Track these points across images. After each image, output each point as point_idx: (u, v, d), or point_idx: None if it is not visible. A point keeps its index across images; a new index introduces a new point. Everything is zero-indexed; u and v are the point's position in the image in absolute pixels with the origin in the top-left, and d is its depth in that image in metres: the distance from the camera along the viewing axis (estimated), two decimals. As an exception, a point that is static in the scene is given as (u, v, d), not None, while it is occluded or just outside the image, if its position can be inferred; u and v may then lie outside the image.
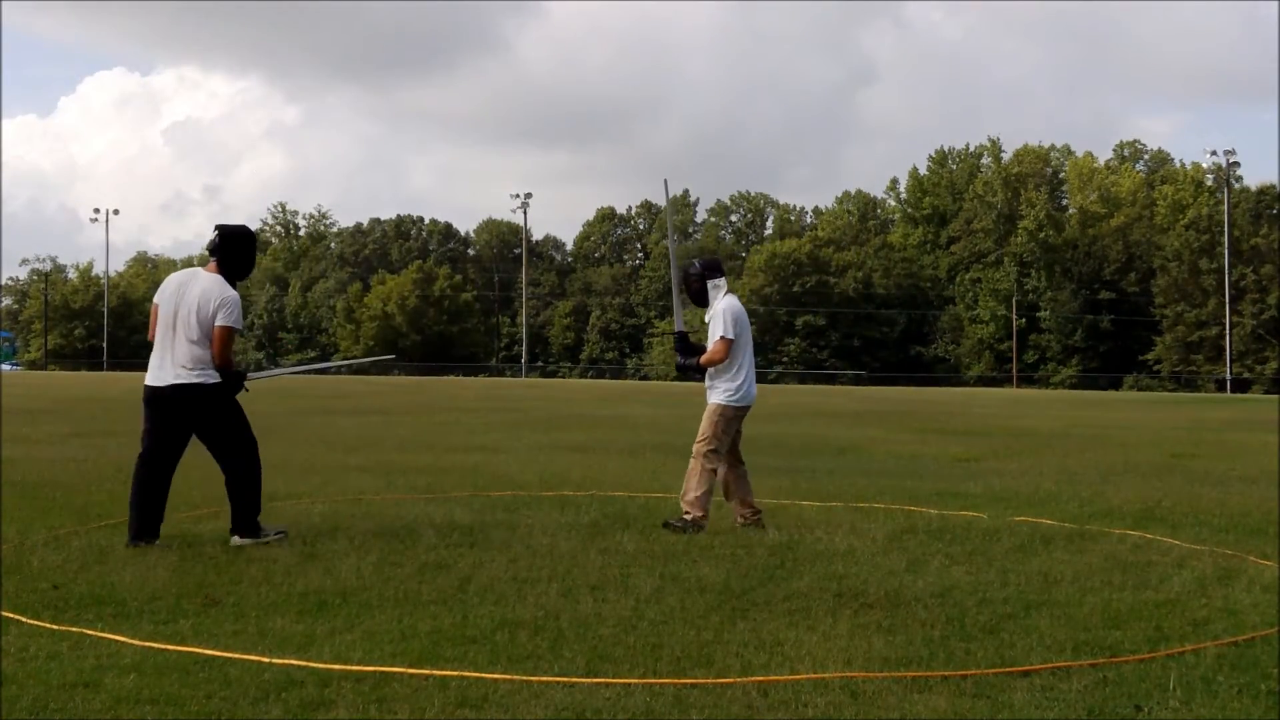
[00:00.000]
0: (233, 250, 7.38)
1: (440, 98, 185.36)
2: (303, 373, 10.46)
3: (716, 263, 8.40)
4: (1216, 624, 5.31)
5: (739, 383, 8.04)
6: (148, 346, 7.53)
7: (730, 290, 8.25)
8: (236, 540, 7.14)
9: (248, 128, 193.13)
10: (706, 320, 8.22)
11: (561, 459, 13.44)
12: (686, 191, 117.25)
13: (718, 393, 8.04)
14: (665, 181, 8.91)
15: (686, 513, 7.79)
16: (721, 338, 7.98)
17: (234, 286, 7.31)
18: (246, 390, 7.49)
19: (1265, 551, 7.36)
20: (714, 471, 7.90)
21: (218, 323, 7.14)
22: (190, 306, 7.16)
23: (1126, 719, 3.99)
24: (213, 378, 7.18)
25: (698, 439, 7.99)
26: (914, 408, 32.99)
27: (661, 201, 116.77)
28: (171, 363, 7.17)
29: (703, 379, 8.26)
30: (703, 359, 8.14)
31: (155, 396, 7.22)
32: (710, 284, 8.17)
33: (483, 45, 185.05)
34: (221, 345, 7.16)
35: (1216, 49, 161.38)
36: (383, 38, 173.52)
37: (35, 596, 5.57)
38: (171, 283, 7.38)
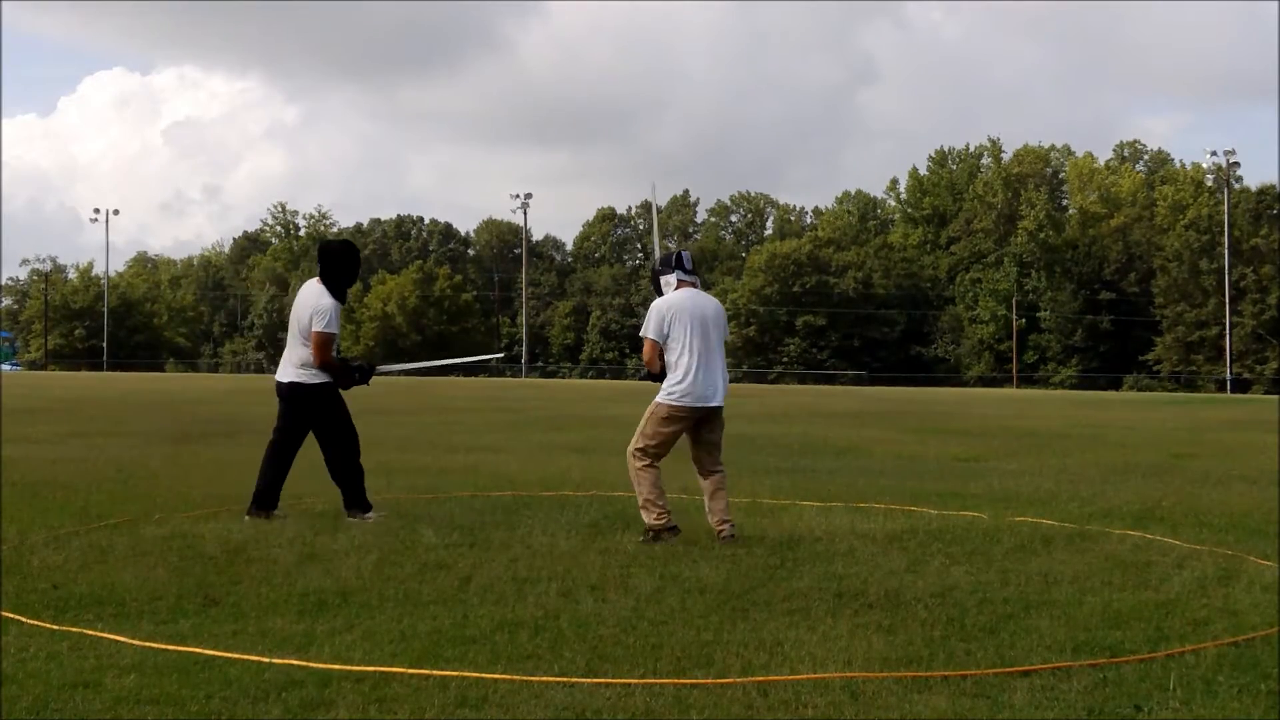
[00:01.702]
0: (328, 265, 8.25)
1: (441, 97, 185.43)
2: (422, 371, 10.83)
3: (669, 257, 7.88)
4: (1216, 624, 5.31)
5: (676, 380, 7.46)
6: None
7: (696, 285, 7.78)
8: (348, 518, 8.01)
9: (248, 128, 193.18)
10: None
11: (561, 459, 13.45)
12: (687, 192, 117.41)
13: (661, 390, 7.57)
14: (654, 186, 8.79)
15: (647, 530, 7.41)
16: (642, 335, 7.63)
17: (337, 295, 8.12)
18: (367, 385, 8.38)
19: (1265, 551, 7.36)
20: (647, 470, 7.44)
21: (312, 329, 8.01)
22: (295, 313, 8.16)
23: (1126, 719, 3.99)
24: (315, 378, 8.09)
25: (632, 443, 7.60)
26: (914, 408, 33.00)
27: (661, 202, 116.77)
28: (286, 361, 8.24)
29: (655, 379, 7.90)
30: (645, 362, 7.77)
31: (277, 390, 8.31)
32: (662, 280, 7.76)
33: (483, 45, 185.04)
34: (315, 349, 8.03)
35: (1216, 49, 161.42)
36: (383, 37, 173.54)
37: (35, 596, 5.57)
38: (298, 289, 8.33)
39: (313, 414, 8.20)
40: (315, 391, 8.12)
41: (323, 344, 8.01)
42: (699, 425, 7.60)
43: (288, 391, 8.19)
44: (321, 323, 7.99)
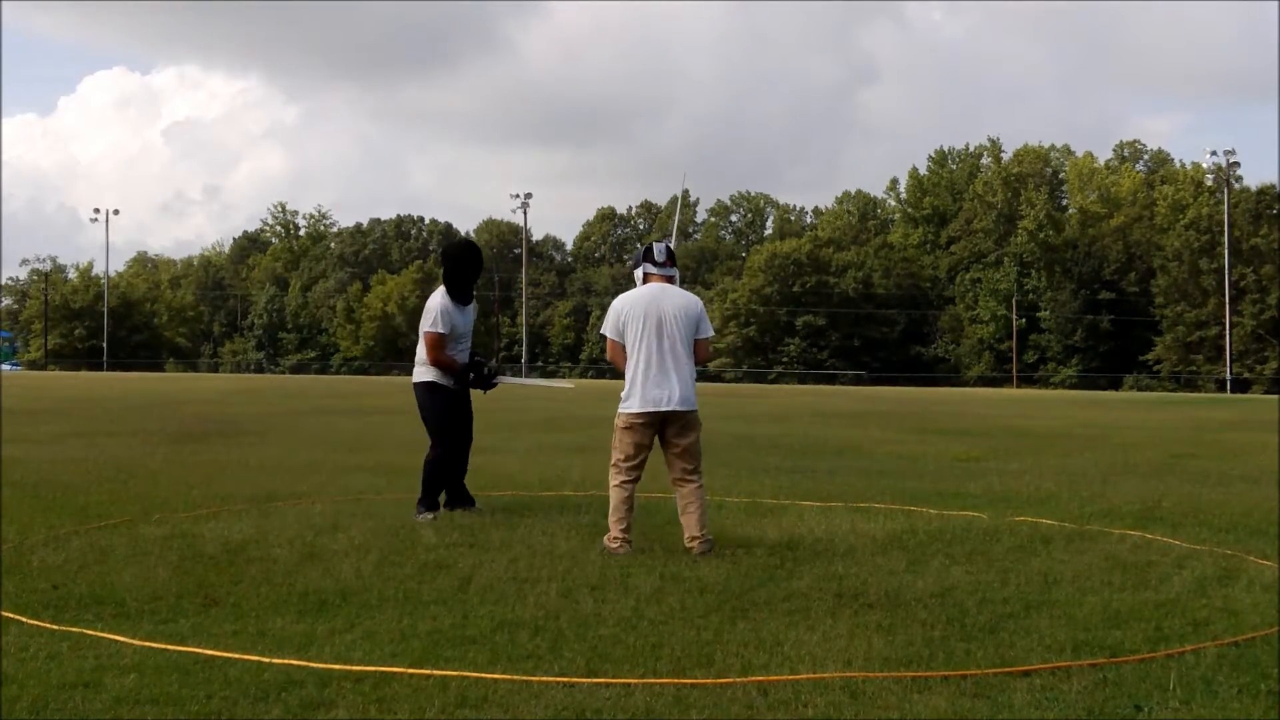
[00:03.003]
0: (446, 267, 8.53)
1: (441, 97, 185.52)
2: (537, 385, 10.82)
3: (648, 249, 7.38)
4: (1216, 624, 5.30)
5: (627, 386, 7.12)
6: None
7: (672, 280, 7.33)
8: (414, 517, 8.20)
9: (248, 127, 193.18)
10: None
11: (561, 459, 13.44)
12: (686, 192, 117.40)
13: (621, 404, 7.17)
14: (684, 175, 8.62)
15: (609, 541, 7.05)
16: (604, 332, 7.34)
17: (458, 296, 8.42)
18: (485, 390, 8.66)
19: (1265, 551, 7.36)
20: (618, 487, 7.09)
21: (421, 328, 8.45)
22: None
23: (1126, 719, 3.99)
24: (420, 376, 8.47)
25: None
26: (914, 408, 32.99)
27: (661, 201, 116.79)
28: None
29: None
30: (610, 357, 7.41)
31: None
32: (636, 274, 7.41)
33: (484, 45, 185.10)
34: (426, 347, 8.38)
35: (1216, 49, 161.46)
36: (383, 37, 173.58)
37: (35, 596, 5.58)
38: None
39: (420, 409, 8.57)
40: (421, 389, 8.51)
41: (430, 344, 8.36)
42: (663, 430, 7.14)
43: (415, 392, 8.62)
44: (427, 322, 8.36)
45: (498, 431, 19.09)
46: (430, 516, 8.21)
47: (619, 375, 7.39)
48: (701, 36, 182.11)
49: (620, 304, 7.24)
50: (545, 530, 7.72)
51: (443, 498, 8.57)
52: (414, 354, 8.68)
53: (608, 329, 7.29)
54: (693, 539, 6.99)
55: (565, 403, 33.11)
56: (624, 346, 7.18)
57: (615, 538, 7.06)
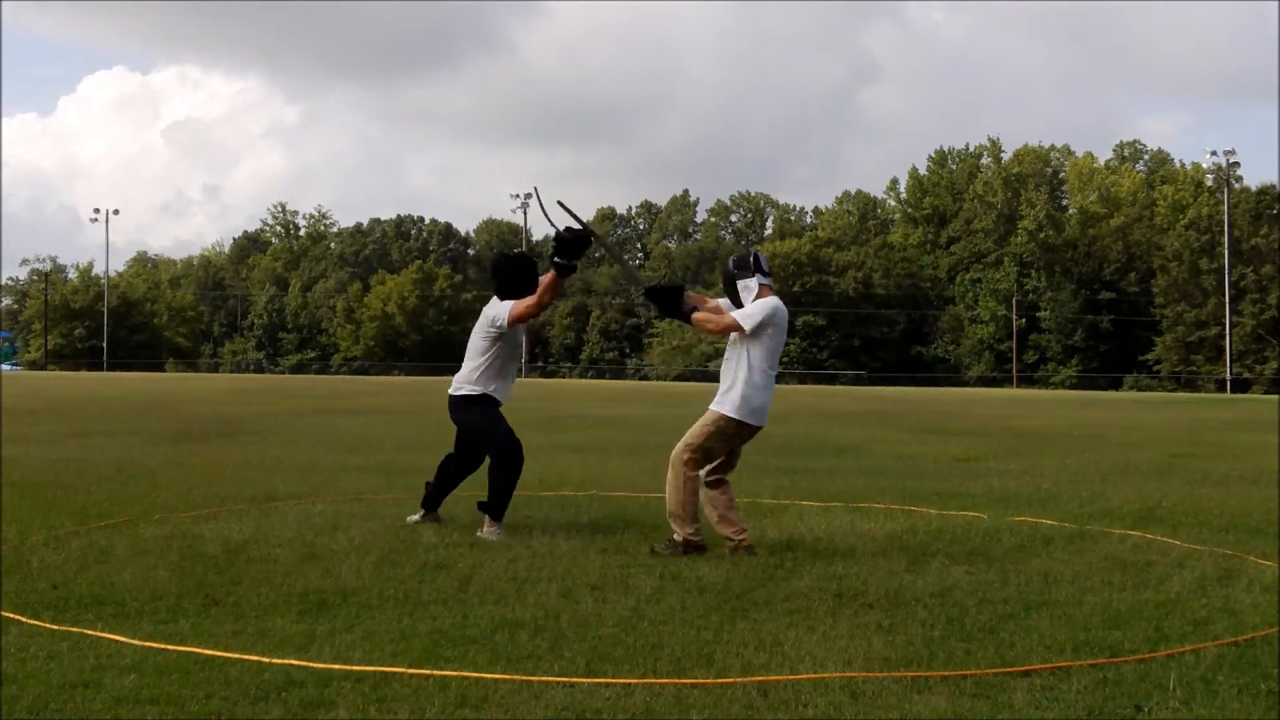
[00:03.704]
0: (497, 279, 8.03)
1: (441, 97, 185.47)
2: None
3: (743, 260, 7.22)
4: (1216, 624, 5.31)
5: (754, 394, 6.98)
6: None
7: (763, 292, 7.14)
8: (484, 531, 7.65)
9: (248, 127, 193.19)
10: None
11: (561, 459, 13.44)
12: (686, 191, 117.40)
13: (726, 401, 6.99)
14: (535, 189, 8.30)
15: (674, 532, 7.00)
16: (735, 322, 6.99)
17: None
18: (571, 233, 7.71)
19: (1265, 551, 7.36)
20: (695, 480, 7.02)
21: (502, 320, 7.74)
22: (473, 333, 7.98)
23: (1126, 719, 3.99)
24: (469, 389, 7.85)
25: (681, 443, 7.05)
26: (914, 408, 32.99)
27: (661, 201, 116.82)
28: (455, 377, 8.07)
29: (670, 316, 7.43)
30: (701, 319, 7.18)
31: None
32: (740, 285, 7.14)
33: (484, 45, 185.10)
34: (523, 312, 7.73)
35: (1216, 49, 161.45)
36: (383, 37, 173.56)
37: (35, 596, 5.58)
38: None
39: (470, 424, 7.95)
40: (465, 402, 7.93)
41: (519, 311, 7.72)
42: (743, 441, 7.23)
43: (451, 406, 8.04)
44: (503, 309, 7.74)
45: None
46: (499, 533, 7.58)
47: (681, 317, 7.34)
48: (701, 36, 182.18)
49: (774, 309, 7.03)
50: (545, 530, 7.72)
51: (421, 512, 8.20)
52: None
53: (748, 324, 6.93)
54: (740, 534, 7.10)
55: (565, 402, 33.10)
56: (736, 336, 7.04)
57: (696, 527, 7.00)
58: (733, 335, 7.09)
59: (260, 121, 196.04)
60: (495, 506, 7.73)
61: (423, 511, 8.18)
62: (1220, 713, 4.04)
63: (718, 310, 7.30)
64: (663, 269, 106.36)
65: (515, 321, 7.78)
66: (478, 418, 7.88)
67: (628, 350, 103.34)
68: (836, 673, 4.37)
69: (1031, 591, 5.95)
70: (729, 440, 7.10)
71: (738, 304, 7.18)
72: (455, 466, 8.17)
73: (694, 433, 7.07)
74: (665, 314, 7.52)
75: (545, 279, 7.71)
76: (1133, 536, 7.91)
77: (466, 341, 8.07)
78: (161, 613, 5.27)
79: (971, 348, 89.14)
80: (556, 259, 7.57)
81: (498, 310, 7.80)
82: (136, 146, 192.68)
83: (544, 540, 7.30)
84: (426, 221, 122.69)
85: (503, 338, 7.83)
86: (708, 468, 7.16)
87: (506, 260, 8.25)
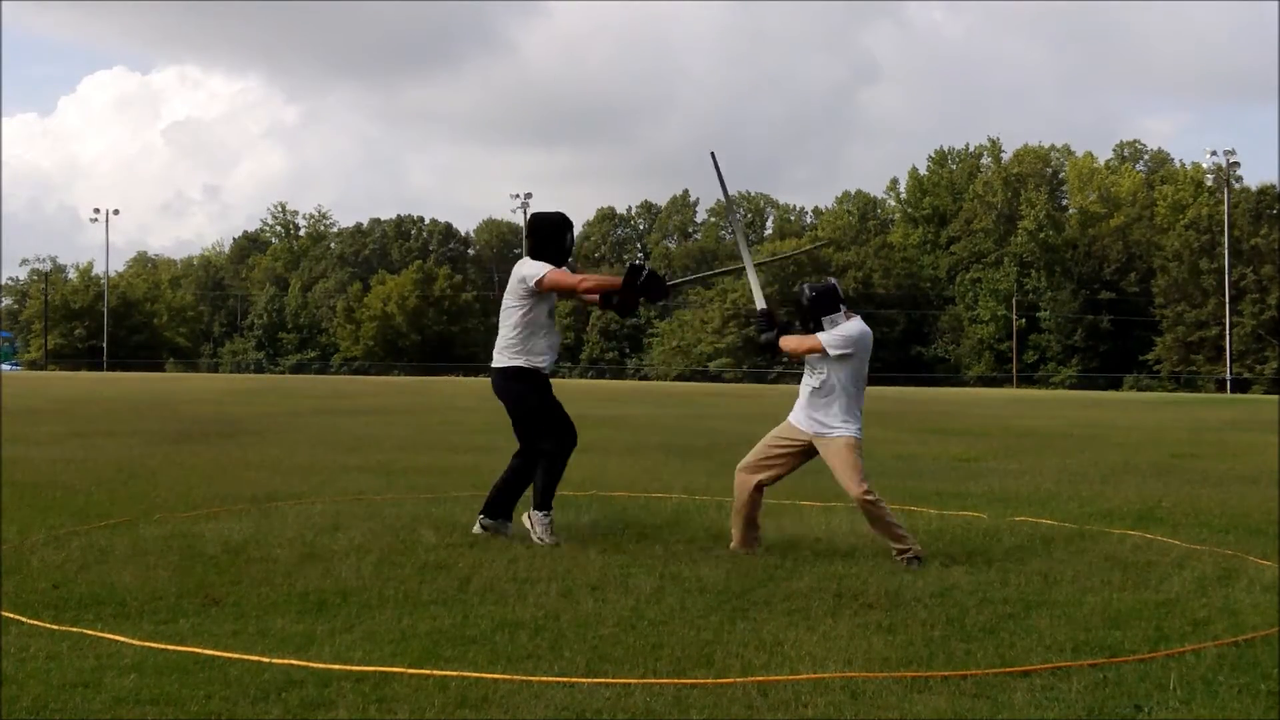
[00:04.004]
0: (533, 238, 7.47)
1: (441, 97, 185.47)
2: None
3: (829, 292, 7.20)
4: (1216, 624, 5.31)
5: (856, 414, 7.16)
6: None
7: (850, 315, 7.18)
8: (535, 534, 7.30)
9: (248, 127, 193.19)
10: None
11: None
12: (686, 192, 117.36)
13: (843, 426, 7.06)
14: (713, 155, 7.85)
15: (903, 552, 6.81)
16: (819, 344, 7.00)
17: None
18: (655, 302, 7.51)
19: (1265, 551, 7.36)
20: (880, 503, 6.96)
21: (536, 278, 7.21)
22: (505, 296, 7.46)
23: (1126, 719, 3.99)
24: (510, 360, 7.34)
25: (854, 486, 6.93)
26: (914, 408, 32.99)
27: (661, 201, 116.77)
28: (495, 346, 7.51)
29: (772, 352, 7.38)
30: (788, 341, 7.16)
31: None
32: (827, 320, 7.09)
33: (484, 45, 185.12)
34: (561, 284, 7.26)
35: (1216, 49, 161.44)
36: (383, 37, 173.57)
37: (35, 596, 5.58)
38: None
39: (512, 396, 7.41)
40: (507, 375, 7.37)
41: (555, 279, 7.22)
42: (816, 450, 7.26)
43: (496, 380, 7.46)
44: (535, 271, 7.22)
45: (498, 431, 19.08)
46: (549, 534, 7.27)
47: (773, 349, 7.32)
48: (702, 36, 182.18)
49: (861, 334, 7.09)
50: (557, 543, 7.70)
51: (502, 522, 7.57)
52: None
53: (836, 349, 6.98)
54: (755, 543, 7.21)
55: (565, 402, 33.09)
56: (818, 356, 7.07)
57: (909, 537, 6.97)
58: (825, 338, 7.07)
59: (260, 121, 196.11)
60: (549, 496, 7.35)
61: (482, 519, 7.56)
62: (1220, 713, 4.04)
63: (786, 324, 7.37)
64: (663, 269, 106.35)
65: (549, 288, 7.25)
66: (521, 394, 7.36)
67: (628, 350, 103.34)
68: (836, 673, 4.38)
69: (1031, 591, 5.95)
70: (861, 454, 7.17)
71: (815, 329, 7.17)
72: (515, 472, 7.56)
73: (849, 469, 7.00)
74: (766, 347, 7.47)
75: (595, 282, 7.42)
76: (1133, 536, 7.91)
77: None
78: (161, 613, 5.27)
79: (971, 348, 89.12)
80: (618, 299, 7.25)
81: (531, 269, 7.26)
82: (136, 146, 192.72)
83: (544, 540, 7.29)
84: (426, 221, 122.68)
85: (536, 296, 7.30)
86: (764, 475, 7.21)
87: (545, 218, 7.59)
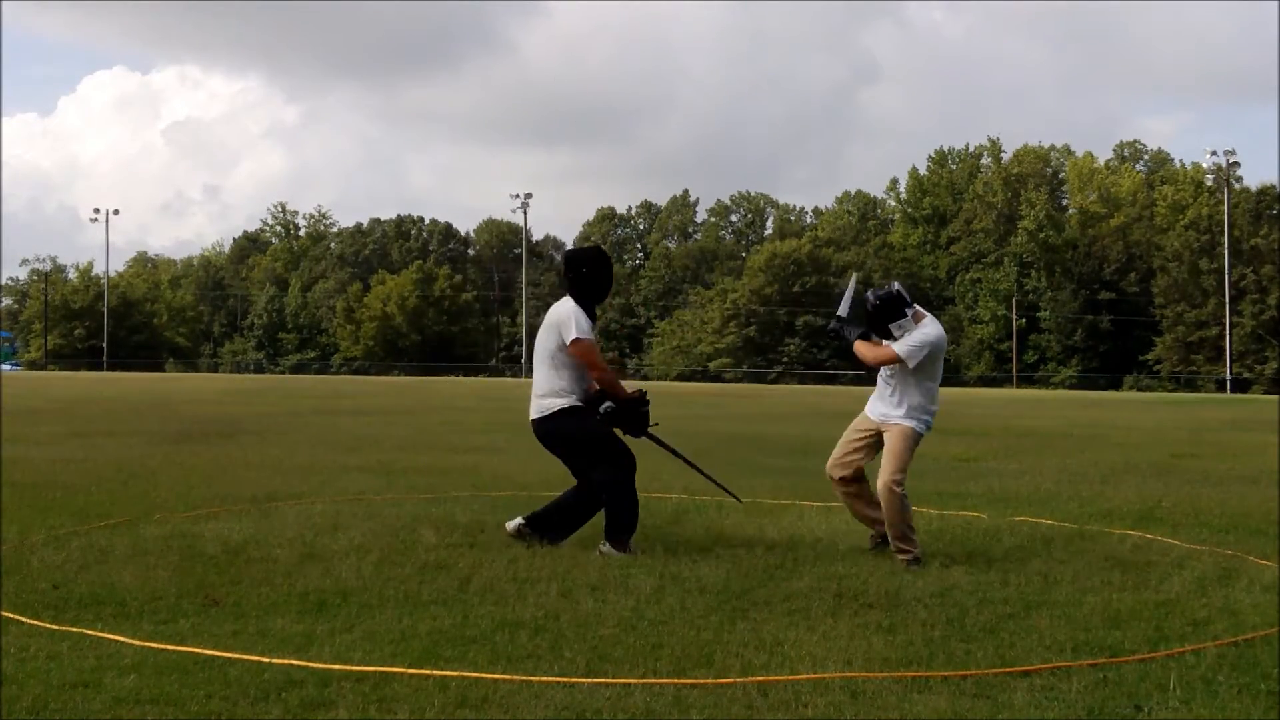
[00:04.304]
0: (570, 273, 7.33)
1: (441, 97, 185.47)
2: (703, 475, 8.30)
3: (896, 296, 7.15)
4: (1216, 624, 5.31)
5: (934, 407, 7.22)
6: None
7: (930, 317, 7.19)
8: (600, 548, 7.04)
9: (248, 127, 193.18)
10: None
11: (561, 459, 13.42)
12: (686, 191, 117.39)
13: (906, 417, 7.10)
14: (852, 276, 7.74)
15: (904, 552, 6.83)
16: (895, 353, 7.01)
17: (586, 308, 7.15)
18: (636, 435, 7.37)
19: (1265, 551, 7.36)
20: (905, 498, 6.95)
21: (571, 337, 7.04)
22: (541, 338, 7.23)
23: (1126, 719, 3.99)
24: (557, 404, 7.10)
25: (888, 471, 6.94)
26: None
27: (661, 201, 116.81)
28: (533, 397, 7.26)
29: (841, 339, 7.40)
30: (863, 350, 7.18)
31: (535, 433, 7.34)
32: (894, 326, 7.09)
33: (484, 45, 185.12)
34: (584, 359, 7.10)
35: (1216, 49, 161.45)
36: (383, 37, 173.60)
37: (35, 596, 5.58)
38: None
39: (569, 439, 7.20)
40: (560, 418, 7.13)
41: (586, 352, 7.06)
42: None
43: (540, 430, 7.23)
44: (570, 330, 7.03)
45: (498, 431, 19.09)
46: (631, 550, 6.99)
47: (849, 339, 7.35)
48: (701, 36, 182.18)
49: (938, 338, 7.13)
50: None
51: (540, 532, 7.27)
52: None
53: (914, 358, 7.00)
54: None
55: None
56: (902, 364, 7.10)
57: (916, 546, 6.92)
58: (899, 345, 7.08)
59: (260, 121, 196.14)
60: (622, 526, 7.08)
61: (521, 522, 7.32)
62: (1220, 713, 4.04)
63: (866, 332, 7.34)
64: (663, 269, 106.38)
65: (577, 356, 7.08)
66: (574, 428, 7.14)
67: (628, 350, 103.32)
68: (836, 673, 4.38)
69: (1031, 591, 5.95)
70: (915, 449, 7.18)
71: (884, 334, 7.18)
72: (577, 497, 7.34)
73: (892, 456, 7.03)
74: (837, 337, 7.53)
75: (608, 383, 7.22)
76: (1133, 536, 7.91)
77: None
78: (161, 613, 5.28)
79: (971, 348, 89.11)
80: (605, 413, 7.13)
81: (568, 327, 7.05)
82: (136, 146, 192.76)
83: (544, 540, 7.29)
84: (426, 221, 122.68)
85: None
86: (847, 472, 7.31)
87: (582, 254, 7.49)
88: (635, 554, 6.93)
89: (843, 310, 7.60)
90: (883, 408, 7.25)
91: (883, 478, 6.95)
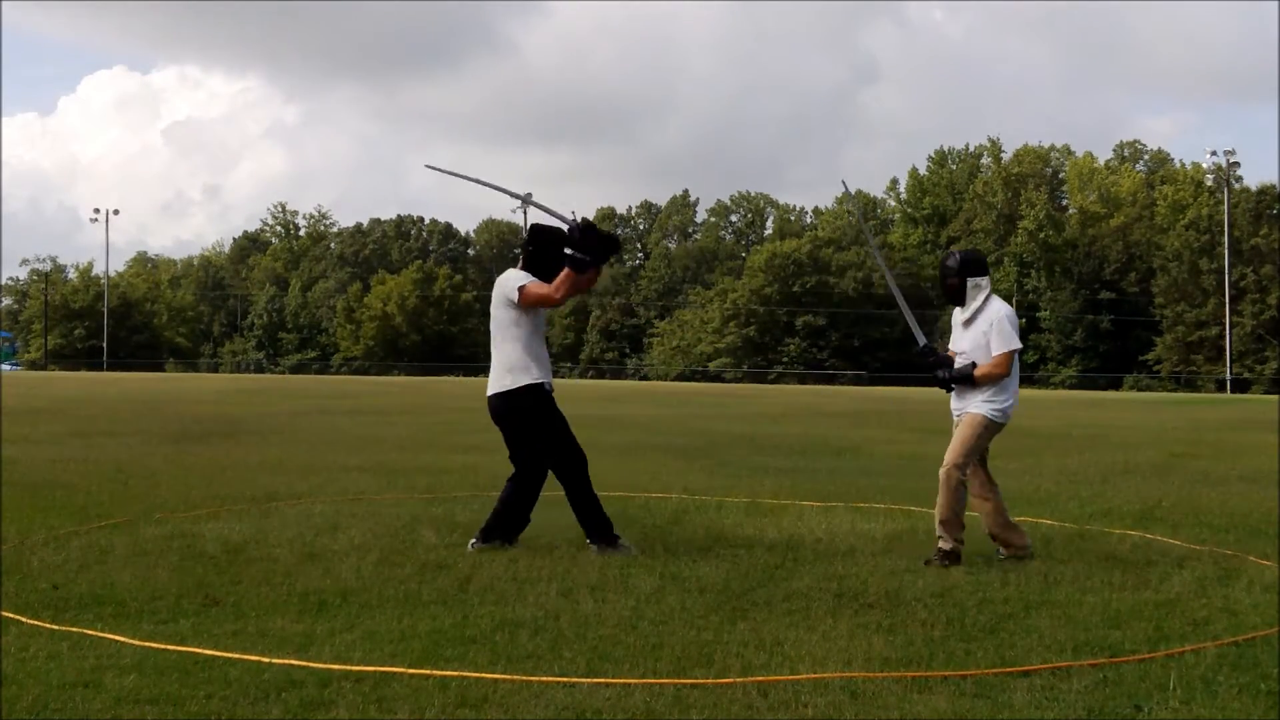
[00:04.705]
0: (527, 248, 7.21)
1: (441, 97, 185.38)
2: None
3: (978, 258, 7.29)
4: (1216, 624, 5.31)
5: (1008, 395, 7.08)
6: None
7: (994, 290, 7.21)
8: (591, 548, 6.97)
9: (248, 127, 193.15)
10: (963, 322, 7.21)
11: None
12: (686, 192, 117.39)
13: (981, 403, 7.05)
14: (844, 183, 7.65)
15: (943, 539, 6.81)
16: (1008, 351, 6.97)
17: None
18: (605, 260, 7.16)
19: (1265, 551, 7.36)
20: (963, 486, 6.95)
21: (518, 294, 6.92)
22: (493, 310, 7.10)
23: (1126, 719, 3.99)
24: (518, 380, 6.98)
25: (950, 454, 7.00)
26: (914, 408, 32.98)
27: (661, 201, 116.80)
28: (492, 370, 7.14)
29: (949, 386, 7.25)
30: (980, 373, 7.03)
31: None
32: (970, 282, 7.10)
33: (484, 45, 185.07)
34: (539, 296, 6.90)
35: (1216, 49, 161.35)
36: (383, 37, 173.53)
37: (35, 596, 5.58)
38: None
39: (524, 416, 7.07)
40: (519, 395, 7.01)
41: (535, 293, 6.91)
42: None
43: (501, 405, 7.08)
44: (520, 280, 6.94)
45: (497, 431, 19.10)
46: (625, 547, 6.94)
47: (962, 384, 7.19)
48: (702, 36, 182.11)
49: (1015, 318, 7.12)
50: (545, 530, 7.71)
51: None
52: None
53: (1017, 343, 7.00)
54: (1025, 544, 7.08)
55: (564, 402, 33.11)
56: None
57: (961, 537, 6.84)
58: (968, 345, 7.11)
59: (260, 121, 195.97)
60: (595, 525, 6.99)
61: (476, 542, 7.08)
62: (1220, 713, 4.04)
63: (949, 359, 7.28)
64: (663, 269, 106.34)
65: (529, 302, 6.95)
66: (529, 409, 7.01)
67: (628, 350, 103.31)
68: (836, 673, 4.38)
69: (1031, 591, 5.95)
70: (988, 440, 7.14)
71: (958, 300, 7.19)
72: (518, 485, 7.21)
73: (959, 441, 7.06)
74: (942, 384, 7.40)
75: (563, 278, 6.89)
76: (1133, 536, 7.92)
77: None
78: (161, 613, 5.28)
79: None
80: (573, 253, 6.87)
81: (510, 282, 7.00)
82: (136, 146, 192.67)
83: (544, 540, 7.29)
84: (426, 221, 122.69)
85: (534, 312, 7.04)
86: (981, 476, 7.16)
87: (543, 232, 7.29)
88: (631, 550, 6.91)
89: (920, 339, 7.57)
90: (955, 401, 7.23)
91: (946, 461, 7.01)
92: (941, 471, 7.02)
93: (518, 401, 7.01)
